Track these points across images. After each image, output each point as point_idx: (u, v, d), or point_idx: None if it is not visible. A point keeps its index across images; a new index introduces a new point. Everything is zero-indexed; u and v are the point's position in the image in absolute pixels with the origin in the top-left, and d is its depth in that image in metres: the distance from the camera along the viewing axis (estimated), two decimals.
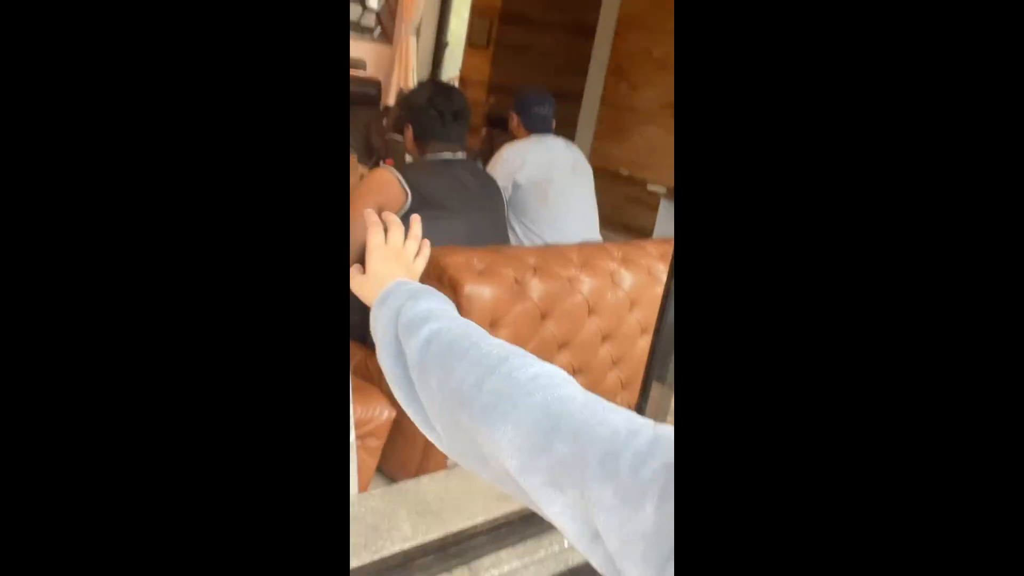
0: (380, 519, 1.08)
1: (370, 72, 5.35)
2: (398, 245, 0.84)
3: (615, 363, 2.07)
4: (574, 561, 1.16)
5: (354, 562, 0.99)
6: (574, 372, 1.81)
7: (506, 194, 2.55)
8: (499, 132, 3.11)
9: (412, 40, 5.57)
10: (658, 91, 3.80)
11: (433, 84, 2.27)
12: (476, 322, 0.67)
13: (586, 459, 0.48)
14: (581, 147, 3.82)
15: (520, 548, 1.12)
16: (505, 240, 2.21)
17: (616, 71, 4.04)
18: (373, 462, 1.68)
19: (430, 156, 2.07)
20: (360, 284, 0.81)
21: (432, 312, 0.67)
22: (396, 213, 1.00)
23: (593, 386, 0.89)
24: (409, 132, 2.13)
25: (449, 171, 2.01)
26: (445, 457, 1.81)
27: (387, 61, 5.67)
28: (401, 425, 1.67)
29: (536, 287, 1.80)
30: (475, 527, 1.11)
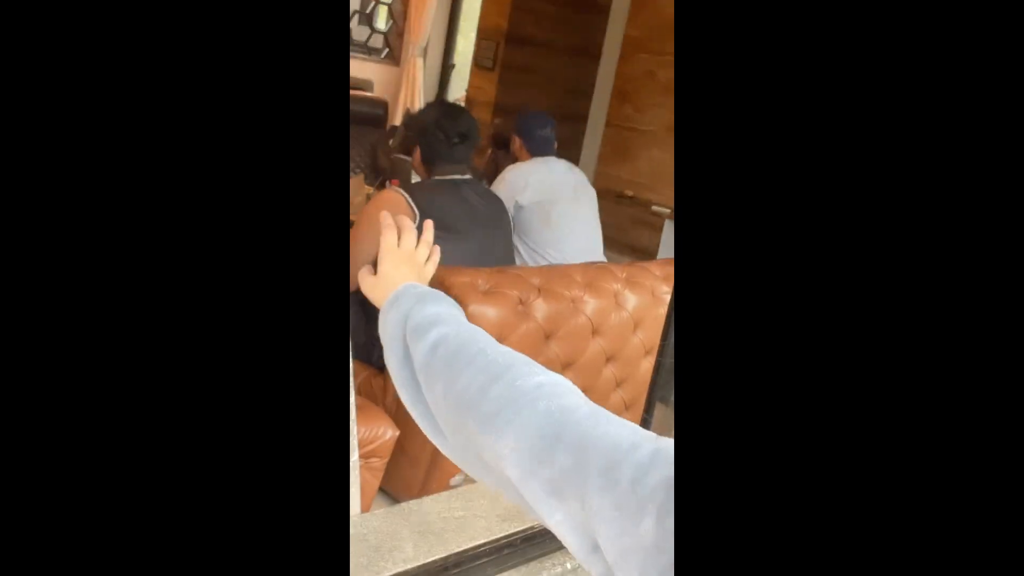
0: (382, 539, 1.07)
1: (377, 93, 5.39)
2: (410, 249, 0.85)
3: (619, 384, 2.06)
4: None
5: None
6: None
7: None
8: (504, 153, 3.13)
9: (419, 61, 5.62)
10: (662, 114, 3.82)
11: (441, 105, 2.29)
12: None
13: (587, 470, 0.48)
14: (586, 168, 3.84)
15: (523, 569, 1.12)
16: (511, 261, 2.22)
17: (621, 93, 4.06)
18: (376, 482, 1.68)
19: (437, 177, 2.08)
20: (371, 286, 0.81)
21: (440, 316, 0.68)
22: None
23: None
24: (417, 153, 2.15)
25: (456, 192, 2.02)
26: (448, 477, 1.80)
27: (394, 82, 5.71)
28: (404, 445, 1.67)
29: (540, 307, 1.80)
30: (478, 548, 1.10)
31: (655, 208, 3.82)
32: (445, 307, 0.70)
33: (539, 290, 1.81)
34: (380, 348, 0.72)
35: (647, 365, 2.03)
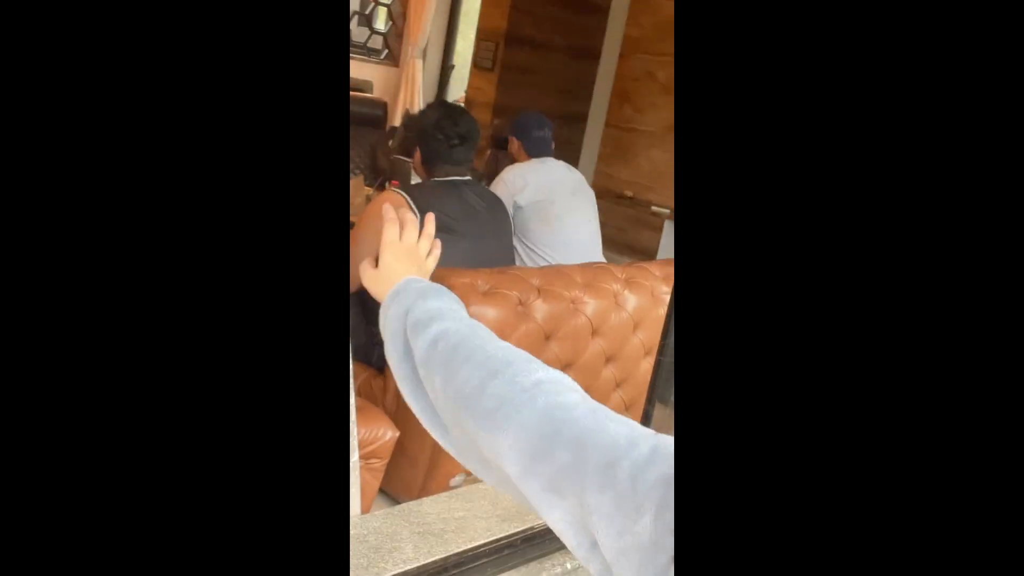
0: (382, 540, 1.07)
1: (377, 94, 5.39)
2: (412, 242, 0.85)
3: (618, 384, 2.06)
4: None
5: None
6: None
7: None
8: (504, 154, 3.14)
9: (418, 62, 5.62)
10: (662, 114, 3.82)
11: (441, 106, 2.28)
12: None
13: (585, 468, 0.48)
14: (586, 169, 3.84)
15: (523, 570, 1.12)
16: (512, 261, 2.22)
17: (621, 94, 4.07)
18: (376, 483, 1.68)
19: (437, 178, 2.08)
20: (372, 279, 0.81)
21: (440, 311, 0.68)
22: None
23: None
24: (417, 154, 2.15)
25: (457, 193, 2.02)
26: (448, 478, 1.80)
27: (394, 83, 5.71)
28: (404, 446, 1.67)
29: (540, 308, 1.80)
30: (478, 549, 1.10)
31: (655, 208, 3.83)
32: (446, 302, 0.70)
33: (539, 291, 1.81)
34: (380, 349, 0.72)
35: (647, 365, 2.03)
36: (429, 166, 2.11)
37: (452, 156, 2.07)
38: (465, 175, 2.09)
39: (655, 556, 0.42)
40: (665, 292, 2.05)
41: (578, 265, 2.10)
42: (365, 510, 1.55)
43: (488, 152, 3.60)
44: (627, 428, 0.50)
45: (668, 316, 1.22)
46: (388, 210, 0.85)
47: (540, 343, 1.82)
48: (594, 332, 1.93)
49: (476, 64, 4.42)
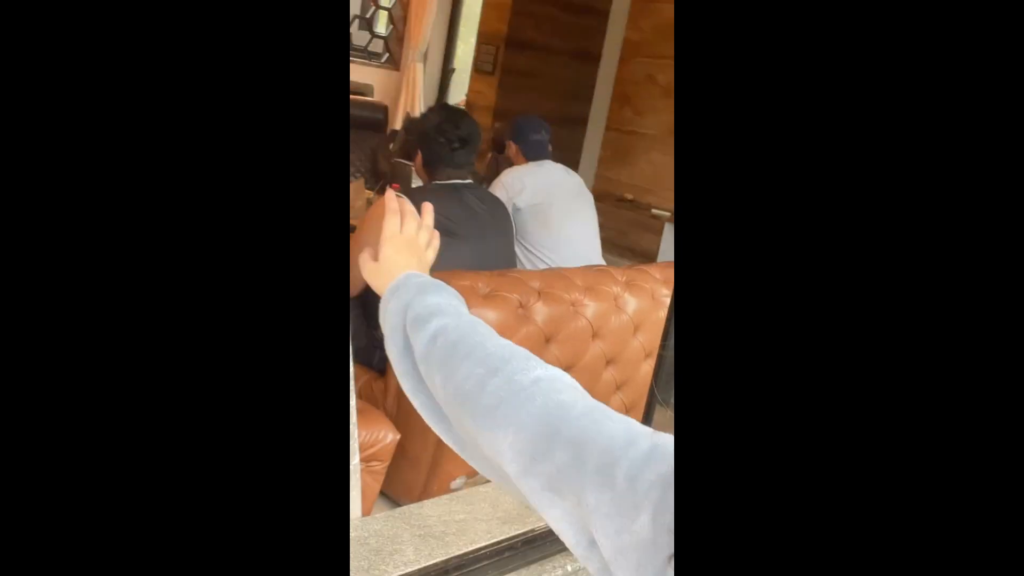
0: (383, 542, 1.07)
1: (377, 98, 5.39)
2: (412, 235, 0.85)
3: (619, 387, 2.06)
4: None
5: None
6: None
7: None
8: (504, 158, 3.15)
9: (419, 66, 5.62)
10: (662, 117, 3.82)
11: (442, 109, 2.28)
12: None
13: (584, 467, 0.48)
14: (586, 172, 3.84)
15: (524, 572, 1.12)
16: (513, 264, 2.22)
17: (621, 97, 4.07)
18: (377, 485, 1.68)
19: (438, 181, 2.08)
20: (372, 272, 0.81)
21: (440, 307, 0.68)
22: None
23: None
24: (418, 158, 2.15)
25: (458, 196, 2.02)
26: (449, 481, 1.80)
27: (394, 86, 5.72)
28: (405, 448, 1.67)
29: (540, 311, 1.80)
30: (478, 551, 1.10)
31: (655, 211, 3.83)
32: (446, 297, 0.70)
33: (539, 293, 1.81)
34: (381, 352, 0.72)
35: (647, 368, 2.03)
36: (430, 169, 2.11)
37: (453, 159, 2.07)
38: (466, 178, 2.09)
39: (653, 555, 0.42)
40: (665, 295, 2.05)
41: (578, 268, 2.10)
42: (366, 513, 1.55)
43: (489, 155, 3.60)
44: (625, 426, 0.50)
45: (668, 319, 1.22)
46: (390, 201, 0.85)
47: (540, 346, 1.82)
48: (594, 335, 1.93)
49: (477, 68, 4.42)
